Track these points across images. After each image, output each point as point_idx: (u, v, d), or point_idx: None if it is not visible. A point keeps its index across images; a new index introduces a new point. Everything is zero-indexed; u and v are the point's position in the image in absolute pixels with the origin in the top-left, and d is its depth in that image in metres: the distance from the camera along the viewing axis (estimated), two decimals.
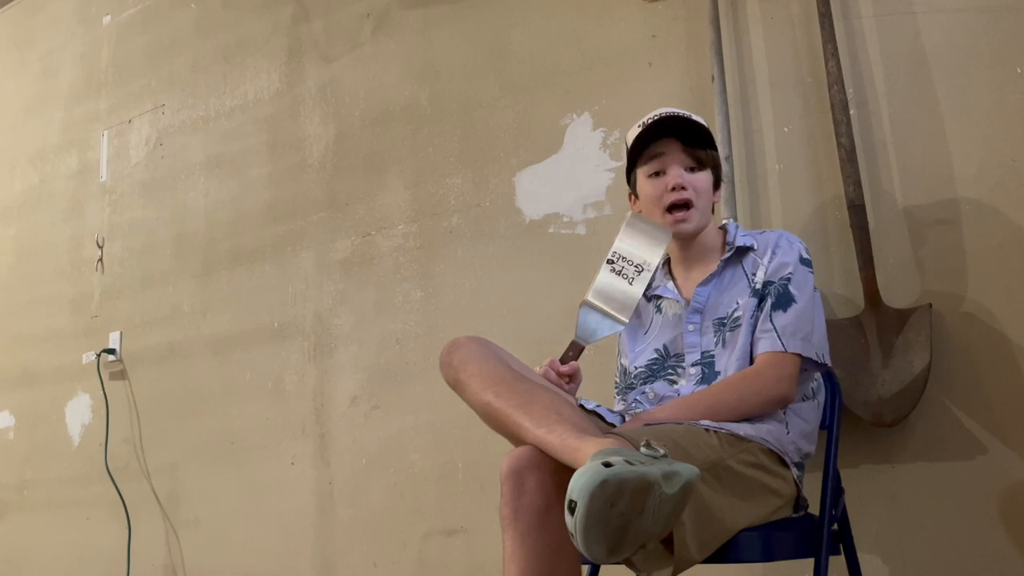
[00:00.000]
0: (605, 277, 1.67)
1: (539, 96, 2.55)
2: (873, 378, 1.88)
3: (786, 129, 2.16)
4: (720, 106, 2.18)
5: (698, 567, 1.41)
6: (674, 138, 1.72)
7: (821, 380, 1.73)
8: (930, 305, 1.87)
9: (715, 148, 1.78)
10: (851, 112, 2.03)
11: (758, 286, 1.68)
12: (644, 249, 1.67)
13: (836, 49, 2.04)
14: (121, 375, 3.31)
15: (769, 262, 1.69)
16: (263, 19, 3.20)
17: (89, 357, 3.38)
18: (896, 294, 1.95)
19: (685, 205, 1.70)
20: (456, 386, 1.52)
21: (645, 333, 1.79)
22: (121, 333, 3.34)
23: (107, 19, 3.70)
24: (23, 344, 3.65)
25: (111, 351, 3.32)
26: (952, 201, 1.93)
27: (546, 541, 1.32)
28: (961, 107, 1.95)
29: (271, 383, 2.93)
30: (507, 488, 1.35)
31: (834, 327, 1.96)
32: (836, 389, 1.72)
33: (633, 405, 1.72)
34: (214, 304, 3.12)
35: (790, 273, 1.67)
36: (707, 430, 1.51)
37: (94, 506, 3.27)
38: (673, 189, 1.70)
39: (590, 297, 1.66)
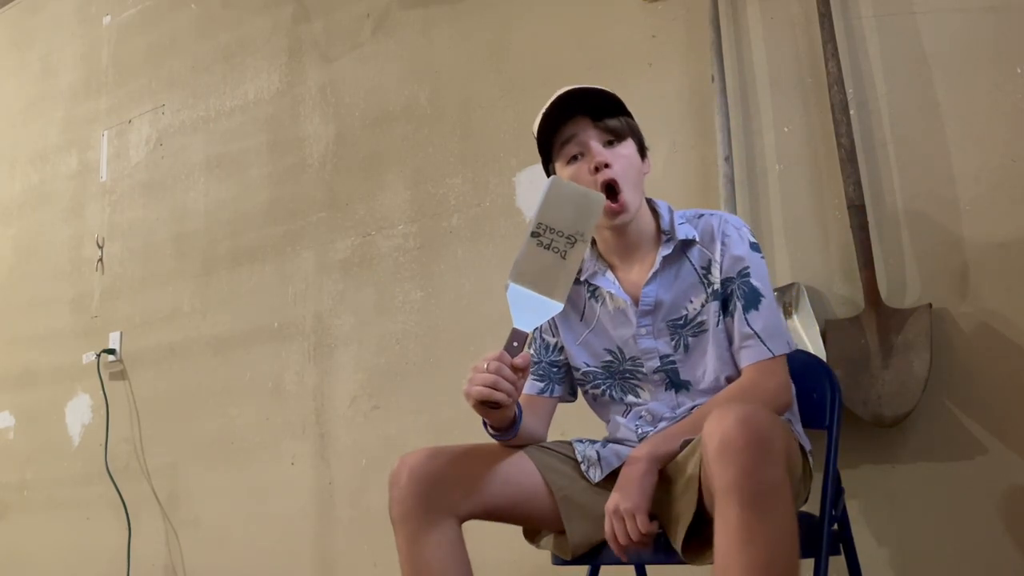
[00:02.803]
0: (531, 252, 1.44)
1: (539, 96, 2.53)
2: (873, 378, 1.88)
3: (786, 129, 2.16)
4: (720, 106, 2.18)
5: (698, 568, 1.41)
6: (582, 115, 1.59)
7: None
8: (930, 305, 1.87)
9: (630, 115, 1.62)
10: (851, 112, 2.03)
11: (716, 287, 1.58)
12: (574, 217, 1.45)
13: (836, 49, 2.04)
14: (121, 375, 3.31)
15: (722, 256, 1.59)
16: (263, 19, 3.20)
17: (89, 357, 3.38)
18: (896, 294, 1.95)
19: (612, 188, 1.55)
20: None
21: (581, 319, 1.67)
22: (121, 333, 3.34)
23: (107, 19, 3.70)
24: (23, 344, 3.65)
25: (111, 351, 3.32)
26: (952, 201, 1.93)
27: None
28: (961, 107, 1.95)
29: (271, 383, 2.93)
30: (748, 455, 1.21)
31: (834, 327, 1.96)
32: (836, 389, 1.72)
33: (636, 429, 1.63)
34: (214, 304, 3.12)
35: (747, 267, 1.57)
36: None
37: (94, 506, 3.27)
38: (596, 169, 1.55)
39: (514, 278, 1.43)
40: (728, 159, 2.14)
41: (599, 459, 1.59)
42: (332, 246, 2.87)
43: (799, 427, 1.63)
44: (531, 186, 2.52)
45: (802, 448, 1.57)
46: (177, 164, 3.34)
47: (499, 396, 1.40)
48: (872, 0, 2.09)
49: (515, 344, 1.41)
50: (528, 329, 1.42)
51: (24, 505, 3.51)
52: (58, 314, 3.55)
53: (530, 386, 1.69)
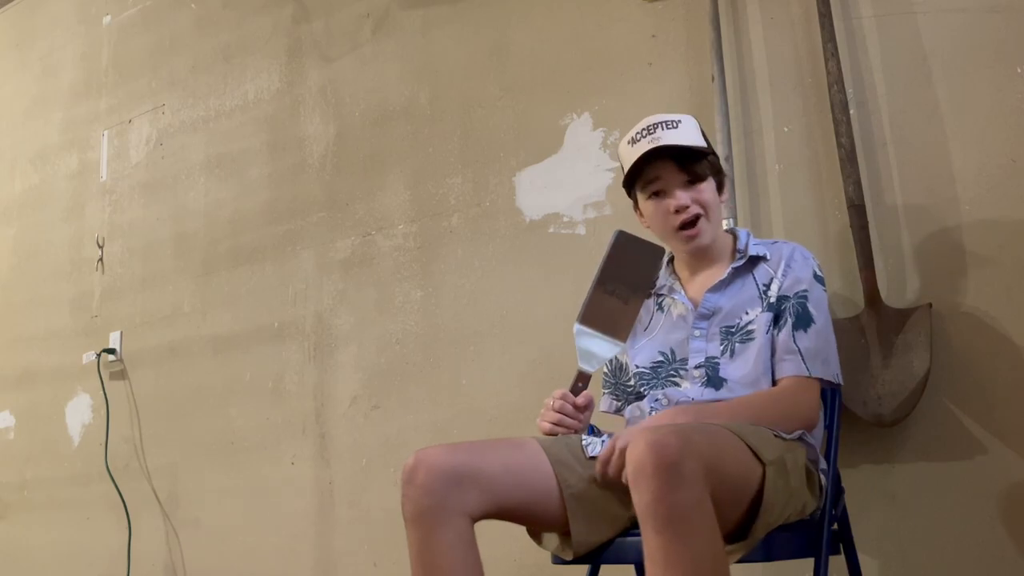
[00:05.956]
0: (597, 298, 1.57)
1: (539, 96, 2.55)
2: (873, 378, 1.88)
3: (786, 129, 2.16)
4: (720, 106, 2.18)
5: None
6: (668, 159, 1.68)
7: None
8: (930, 305, 1.88)
9: (711, 153, 1.73)
10: (851, 112, 2.03)
11: (772, 300, 1.66)
12: (638, 267, 1.57)
13: (836, 49, 2.04)
14: (121, 375, 3.31)
15: (783, 276, 1.67)
16: (263, 19, 3.20)
17: (89, 357, 3.38)
18: (896, 294, 1.95)
19: (693, 222, 1.67)
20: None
21: (645, 329, 1.76)
22: (121, 333, 3.34)
23: (107, 19, 3.70)
24: (23, 344, 3.65)
25: (111, 351, 3.33)
26: (952, 201, 1.93)
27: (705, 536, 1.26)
28: (961, 107, 1.95)
29: (271, 383, 2.93)
30: (658, 481, 1.25)
31: (834, 327, 1.96)
32: (836, 389, 1.72)
33: (650, 412, 1.68)
34: (214, 304, 3.12)
35: (806, 290, 1.65)
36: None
37: (94, 506, 3.27)
38: (677, 211, 1.66)
39: (581, 323, 1.57)
40: (728, 159, 2.14)
41: (602, 443, 1.62)
42: (332, 246, 2.88)
43: (811, 448, 1.64)
44: (531, 186, 2.52)
45: (813, 465, 1.59)
46: (177, 164, 3.34)
47: (561, 431, 1.58)
48: (872, 0, 2.09)
49: (579, 384, 1.56)
50: (592, 370, 1.56)
51: (24, 505, 3.51)
52: (58, 314, 3.55)
53: (607, 404, 1.81)
